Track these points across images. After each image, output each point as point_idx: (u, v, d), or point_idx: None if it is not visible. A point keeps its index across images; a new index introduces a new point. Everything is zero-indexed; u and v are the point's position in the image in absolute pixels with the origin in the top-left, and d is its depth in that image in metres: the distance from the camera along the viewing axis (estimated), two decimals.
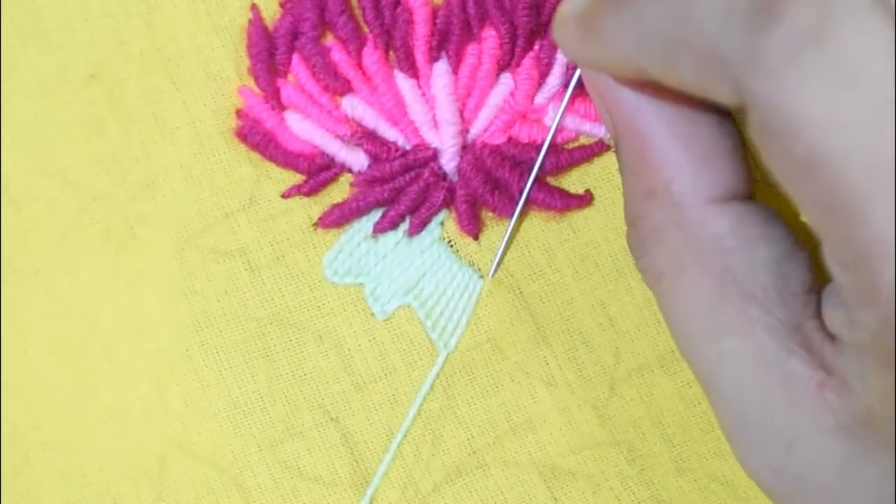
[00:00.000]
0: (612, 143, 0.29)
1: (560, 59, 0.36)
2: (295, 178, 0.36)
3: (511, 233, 0.36)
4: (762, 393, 0.25)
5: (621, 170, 0.30)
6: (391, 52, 0.36)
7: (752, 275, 0.26)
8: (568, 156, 0.36)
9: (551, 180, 0.37)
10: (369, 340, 0.36)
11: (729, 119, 0.28)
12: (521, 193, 0.36)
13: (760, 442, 0.25)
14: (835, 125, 0.19)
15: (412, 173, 0.36)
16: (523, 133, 0.36)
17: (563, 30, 0.29)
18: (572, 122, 0.36)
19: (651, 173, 0.28)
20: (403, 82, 0.36)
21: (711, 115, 0.28)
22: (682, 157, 0.27)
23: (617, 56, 0.26)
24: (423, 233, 0.36)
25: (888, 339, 0.20)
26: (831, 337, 0.25)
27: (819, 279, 0.26)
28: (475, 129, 0.36)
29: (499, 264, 0.36)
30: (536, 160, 0.35)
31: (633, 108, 0.28)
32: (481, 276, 0.36)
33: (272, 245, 0.36)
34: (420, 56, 0.36)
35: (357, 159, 0.36)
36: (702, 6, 0.22)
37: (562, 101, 0.35)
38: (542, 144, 0.36)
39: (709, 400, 0.27)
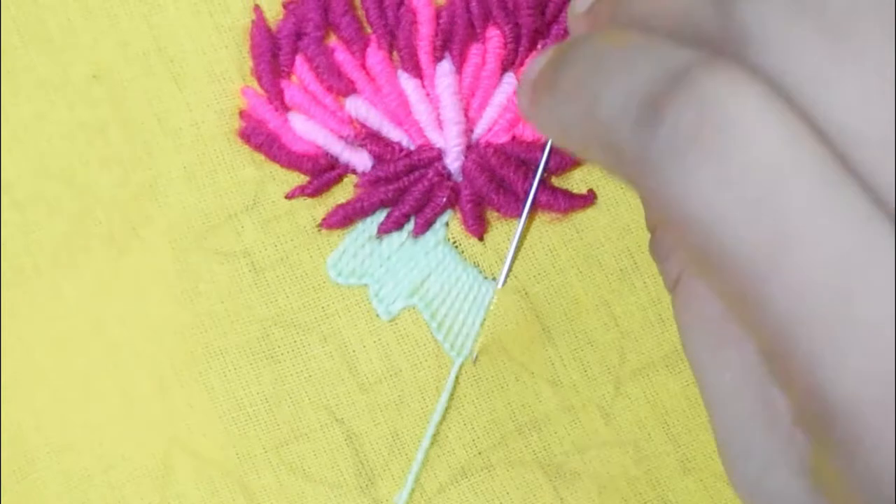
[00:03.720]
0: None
1: None
2: (299, 179, 0.36)
3: (516, 235, 0.36)
4: (747, 407, 0.25)
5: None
6: (395, 53, 0.36)
7: None
8: (571, 156, 0.36)
9: (555, 181, 0.36)
10: (374, 341, 0.36)
11: None
12: (525, 193, 0.36)
13: (743, 457, 0.26)
14: (721, 219, 0.20)
15: (416, 173, 0.36)
16: (527, 132, 0.36)
17: (520, 91, 0.30)
18: None
19: None
20: (407, 82, 0.36)
21: None
22: None
23: (553, 129, 0.27)
24: (428, 233, 0.36)
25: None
26: None
27: None
28: (479, 129, 0.36)
29: (508, 274, 0.36)
30: (539, 164, 0.35)
31: None
32: (486, 278, 0.36)
33: (276, 246, 0.36)
34: (424, 56, 0.36)
35: (361, 160, 0.36)
36: (604, 102, 0.23)
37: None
38: (545, 143, 0.36)
39: (706, 410, 0.28)
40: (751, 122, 0.20)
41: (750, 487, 0.26)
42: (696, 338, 0.27)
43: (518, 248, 0.36)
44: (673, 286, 0.29)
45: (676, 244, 0.22)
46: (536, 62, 0.29)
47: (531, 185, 0.36)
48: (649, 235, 0.31)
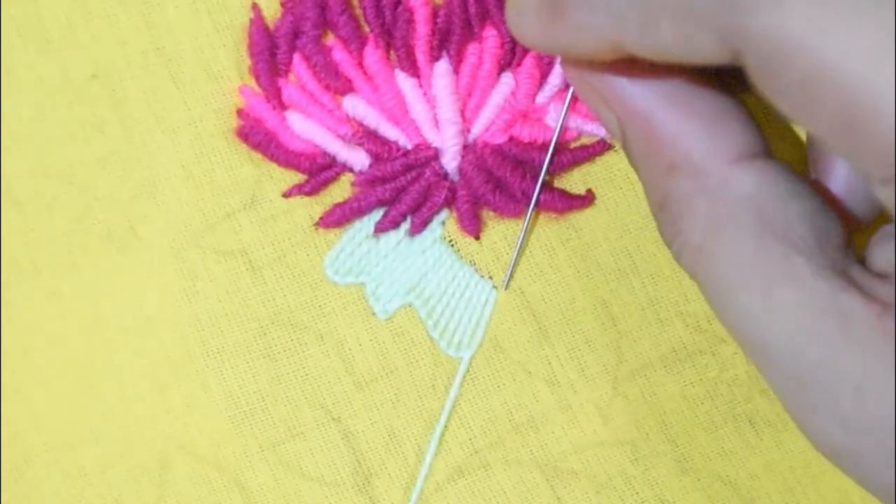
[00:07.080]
0: (616, 137, 0.29)
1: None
2: (296, 178, 0.36)
3: (518, 238, 0.36)
4: (820, 337, 0.24)
5: (633, 159, 0.29)
6: (392, 52, 0.36)
7: (790, 228, 0.25)
8: (570, 155, 0.36)
9: (553, 180, 0.36)
10: (371, 340, 0.36)
11: (722, 82, 0.28)
12: (522, 193, 0.36)
13: (826, 393, 0.24)
14: (843, 40, 0.20)
15: (413, 173, 0.36)
16: (524, 132, 0.36)
17: (521, 17, 0.29)
18: (574, 122, 0.36)
19: (667, 149, 0.27)
20: (404, 82, 0.36)
21: (705, 82, 0.28)
22: (695, 126, 0.27)
23: (589, 37, 0.26)
24: (425, 232, 0.36)
25: None
26: (880, 276, 0.25)
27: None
28: (476, 129, 0.36)
29: (511, 276, 0.36)
30: (543, 163, 0.35)
31: (631, 91, 0.28)
32: (482, 276, 0.36)
33: (273, 245, 0.36)
34: (421, 55, 0.36)
35: (358, 159, 0.36)
36: None
37: (563, 101, 0.35)
38: (543, 144, 0.36)
39: (762, 368, 0.26)
40: None
41: (844, 421, 0.24)
42: (738, 292, 0.26)
43: (521, 251, 0.36)
44: (695, 257, 0.27)
45: (776, 85, 0.22)
46: None
47: (530, 185, 0.36)
48: (657, 217, 0.30)
